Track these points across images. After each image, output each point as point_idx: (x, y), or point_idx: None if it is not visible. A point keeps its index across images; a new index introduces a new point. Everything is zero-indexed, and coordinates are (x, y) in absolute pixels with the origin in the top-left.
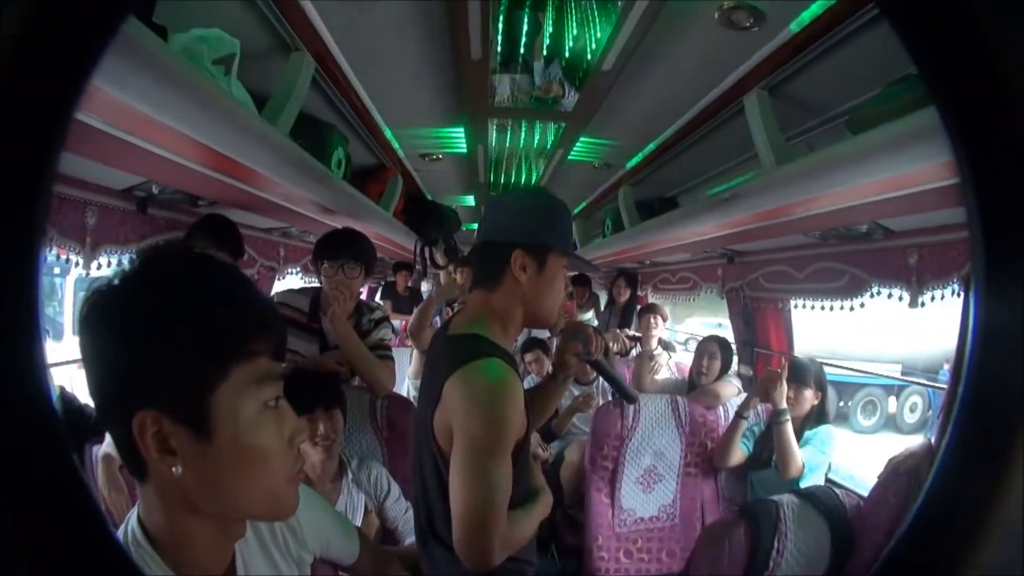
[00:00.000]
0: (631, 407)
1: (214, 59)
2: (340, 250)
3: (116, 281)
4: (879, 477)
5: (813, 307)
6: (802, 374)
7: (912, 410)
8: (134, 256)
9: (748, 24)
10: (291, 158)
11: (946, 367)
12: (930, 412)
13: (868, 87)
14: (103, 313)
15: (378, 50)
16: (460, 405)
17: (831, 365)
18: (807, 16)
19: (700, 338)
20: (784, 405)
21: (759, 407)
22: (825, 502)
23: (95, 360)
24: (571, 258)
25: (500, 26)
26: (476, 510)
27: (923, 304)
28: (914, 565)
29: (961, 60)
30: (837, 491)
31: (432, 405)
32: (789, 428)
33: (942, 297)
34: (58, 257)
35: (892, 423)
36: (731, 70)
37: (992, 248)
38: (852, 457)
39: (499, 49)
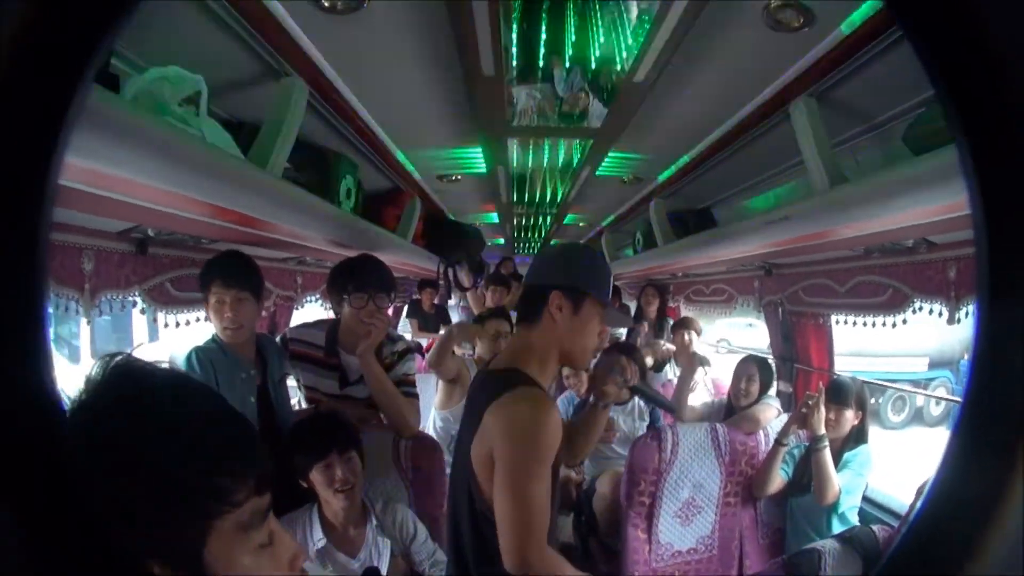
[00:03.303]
0: (669, 439)
1: (181, 99)
2: (366, 280)
3: (76, 416)
4: (910, 505)
5: (855, 323)
6: (843, 395)
7: (937, 402)
8: (82, 386)
9: (797, 25)
10: (284, 197)
11: (966, 357)
12: None
13: (919, 92)
14: (79, 449)
15: (379, 71)
16: (499, 430)
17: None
18: (858, 17)
19: (730, 342)
20: (822, 431)
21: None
22: (864, 543)
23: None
24: (607, 308)
25: (514, 37)
26: (518, 522)
27: (959, 320)
28: (915, 567)
29: (964, 57)
30: (875, 528)
31: (471, 433)
32: (827, 455)
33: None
34: (56, 308)
35: (920, 416)
36: (776, 75)
37: (995, 250)
38: (884, 456)
39: (514, 63)
